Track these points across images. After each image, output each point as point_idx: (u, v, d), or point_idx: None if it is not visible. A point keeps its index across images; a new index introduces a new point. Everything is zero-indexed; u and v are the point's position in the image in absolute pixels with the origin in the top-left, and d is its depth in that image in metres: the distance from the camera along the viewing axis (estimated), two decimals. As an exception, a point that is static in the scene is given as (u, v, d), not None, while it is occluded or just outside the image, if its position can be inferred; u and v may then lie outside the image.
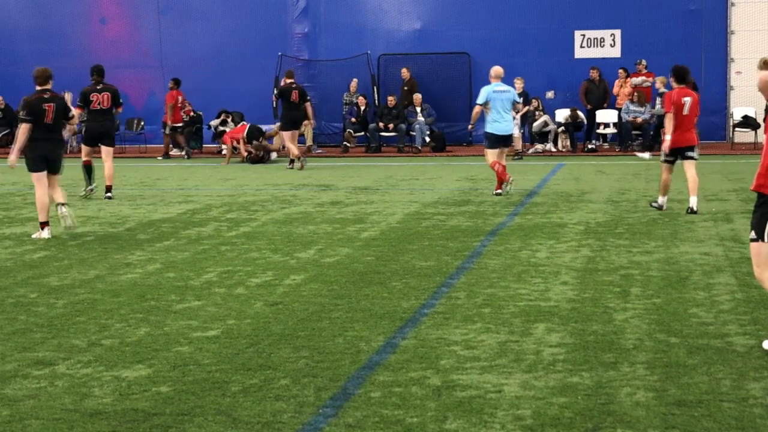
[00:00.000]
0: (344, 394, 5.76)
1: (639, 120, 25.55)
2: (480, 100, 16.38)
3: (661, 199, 13.89)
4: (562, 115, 26.66)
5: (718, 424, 5.18)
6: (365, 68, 28.18)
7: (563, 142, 26.47)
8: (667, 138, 13.72)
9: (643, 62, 26.28)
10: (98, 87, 17.17)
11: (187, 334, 7.26)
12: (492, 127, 16.29)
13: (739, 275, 9.06)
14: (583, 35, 27.98)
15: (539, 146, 26.32)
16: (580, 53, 27.83)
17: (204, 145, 28.74)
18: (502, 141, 16.37)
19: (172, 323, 7.60)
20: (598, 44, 27.91)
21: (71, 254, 10.95)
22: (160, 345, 6.95)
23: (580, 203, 14.82)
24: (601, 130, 26.94)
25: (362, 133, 27.57)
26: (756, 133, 26.10)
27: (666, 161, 13.85)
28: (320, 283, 9.03)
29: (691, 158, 13.89)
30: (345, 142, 27.51)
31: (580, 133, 26.75)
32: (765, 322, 7.27)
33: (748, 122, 26.16)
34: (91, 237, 12.24)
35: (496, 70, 16.61)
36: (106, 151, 17.04)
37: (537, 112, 26.30)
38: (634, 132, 25.86)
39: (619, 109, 26.01)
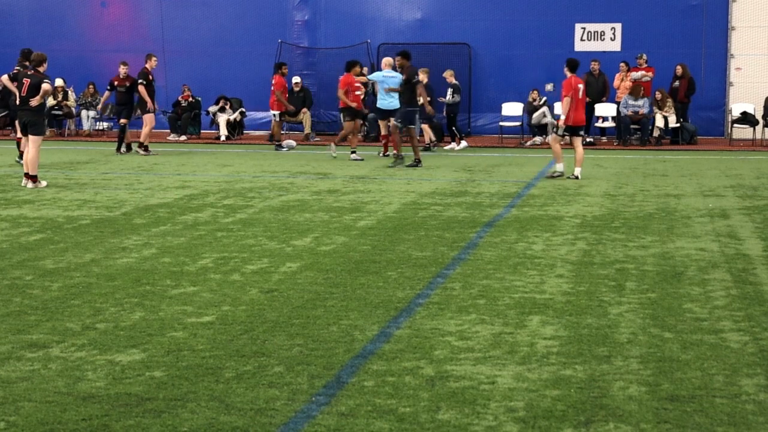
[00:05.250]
0: (338, 383, 5.76)
1: (639, 113, 25.53)
2: (372, 77, 21.89)
3: (559, 166, 17.48)
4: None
5: (711, 419, 5.19)
6: (365, 57, 28.13)
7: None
8: (562, 117, 17.39)
9: (644, 56, 26.26)
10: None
11: (181, 319, 7.26)
12: (380, 103, 20.99)
13: (735, 271, 9.07)
14: (584, 28, 27.95)
15: (538, 138, 26.30)
16: (580, 46, 27.79)
17: (202, 131, 28.71)
18: (388, 114, 20.93)
19: (166, 308, 7.60)
20: (599, 38, 27.88)
21: (67, 237, 10.94)
22: (155, 330, 6.95)
23: (577, 196, 14.82)
24: (599, 124, 26.93)
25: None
26: (754, 129, 26.11)
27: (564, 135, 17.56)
28: (316, 271, 9.03)
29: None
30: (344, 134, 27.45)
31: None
32: (759, 319, 7.28)
33: (746, 118, 26.15)
34: (87, 220, 12.23)
35: (388, 60, 21.56)
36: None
37: (536, 103, 26.26)
38: (632, 126, 25.86)
39: (618, 103, 25.99)
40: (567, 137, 17.71)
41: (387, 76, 20.86)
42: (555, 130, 17.90)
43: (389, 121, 21.04)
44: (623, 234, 11.23)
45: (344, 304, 7.71)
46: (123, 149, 23.12)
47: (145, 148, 23.08)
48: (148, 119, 23.29)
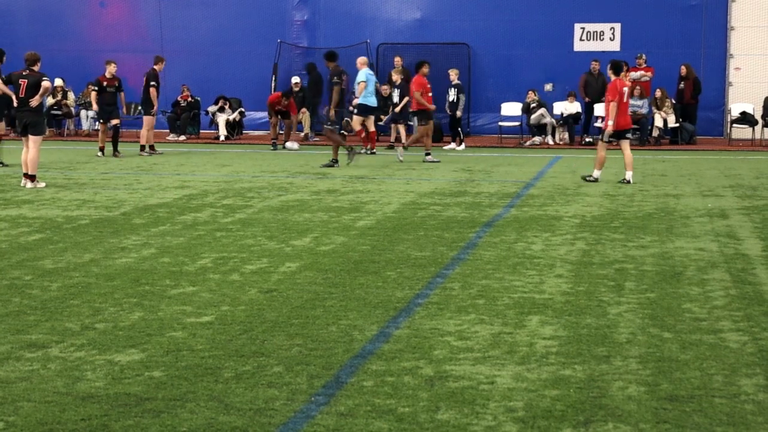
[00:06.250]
0: (337, 383, 5.76)
1: (638, 113, 25.53)
2: (361, 78, 20.63)
3: (597, 173, 16.84)
4: (561, 107, 26.64)
5: (710, 419, 5.19)
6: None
7: (560, 135, 26.46)
8: (610, 123, 16.61)
9: (643, 56, 26.26)
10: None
11: (180, 319, 7.26)
12: (368, 100, 20.69)
13: (734, 271, 9.07)
14: (583, 28, 27.96)
15: (537, 138, 26.30)
16: (579, 46, 27.81)
17: (201, 131, 28.71)
18: (372, 110, 21.12)
19: (166, 308, 7.60)
20: (598, 38, 27.89)
21: (66, 237, 10.94)
22: (154, 330, 6.94)
23: (576, 196, 14.82)
24: (598, 124, 26.89)
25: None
26: (753, 129, 26.12)
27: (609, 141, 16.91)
28: (315, 271, 9.03)
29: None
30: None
31: (578, 127, 26.74)
32: (758, 319, 7.28)
33: (746, 118, 26.16)
34: (87, 220, 12.23)
35: (364, 59, 21.56)
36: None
37: (533, 105, 26.26)
38: (632, 126, 25.82)
39: (618, 103, 25.95)
40: (614, 142, 17.31)
41: (371, 74, 21.20)
42: (601, 137, 16.97)
43: (379, 119, 21.82)
44: (622, 234, 11.23)
45: (343, 304, 7.71)
46: (99, 153, 22.60)
47: (151, 147, 23.08)
48: (148, 121, 23.26)
